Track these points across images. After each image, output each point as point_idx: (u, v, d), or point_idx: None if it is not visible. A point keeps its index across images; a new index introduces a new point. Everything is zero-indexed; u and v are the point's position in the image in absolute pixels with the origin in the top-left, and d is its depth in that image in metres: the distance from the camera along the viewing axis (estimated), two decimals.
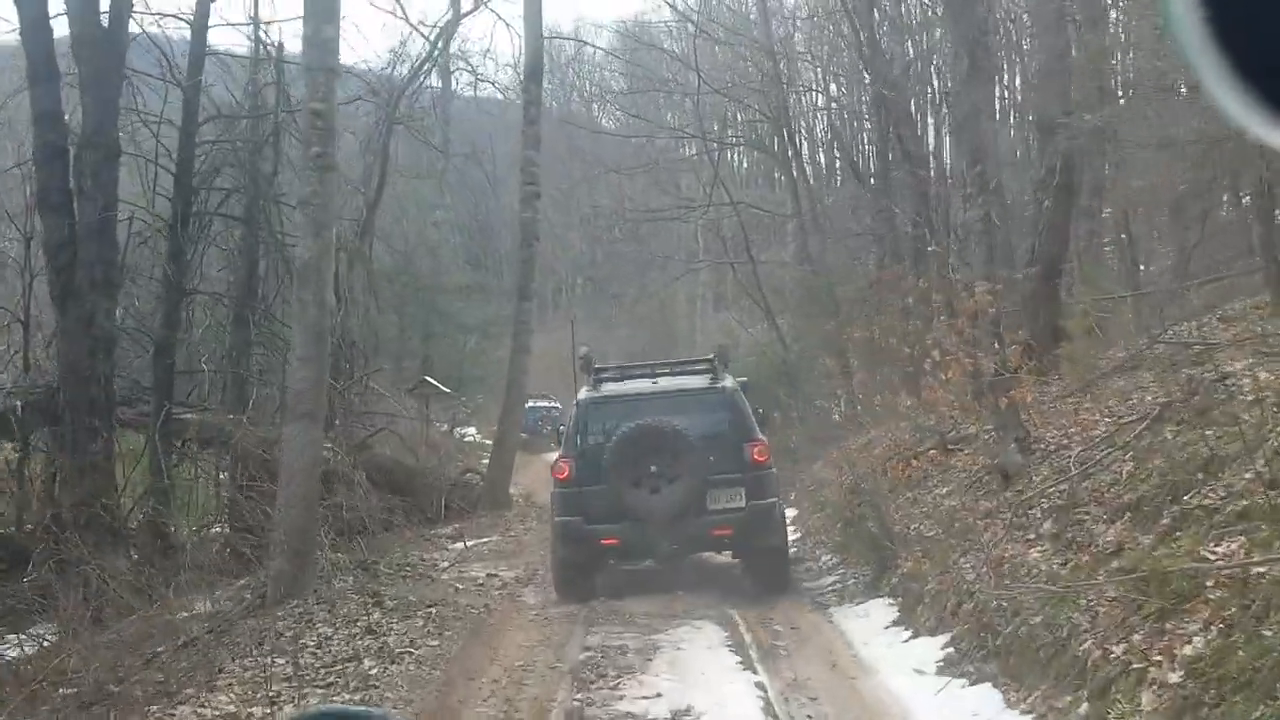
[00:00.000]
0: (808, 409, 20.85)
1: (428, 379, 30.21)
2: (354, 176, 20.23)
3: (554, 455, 11.63)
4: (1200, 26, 0.81)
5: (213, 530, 13.68)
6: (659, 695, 6.21)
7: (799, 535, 12.94)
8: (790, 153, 26.08)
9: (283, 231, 17.83)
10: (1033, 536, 6.72)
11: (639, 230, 45.68)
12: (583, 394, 9.70)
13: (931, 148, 25.39)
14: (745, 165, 40.86)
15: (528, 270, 17.09)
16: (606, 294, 56.44)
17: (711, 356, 10.18)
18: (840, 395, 20.28)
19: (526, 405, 29.07)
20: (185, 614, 8.72)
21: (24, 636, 8.86)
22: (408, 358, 40.25)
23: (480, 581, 10.35)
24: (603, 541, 9.00)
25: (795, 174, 24.38)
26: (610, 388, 9.70)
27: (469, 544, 12.96)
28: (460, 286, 41.65)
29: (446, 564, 11.45)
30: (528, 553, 12.59)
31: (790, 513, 15.11)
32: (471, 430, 43.35)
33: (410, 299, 39.68)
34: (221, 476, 14.96)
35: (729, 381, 9.77)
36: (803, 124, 26.64)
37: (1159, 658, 4.25)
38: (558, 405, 37.58)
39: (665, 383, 9.74)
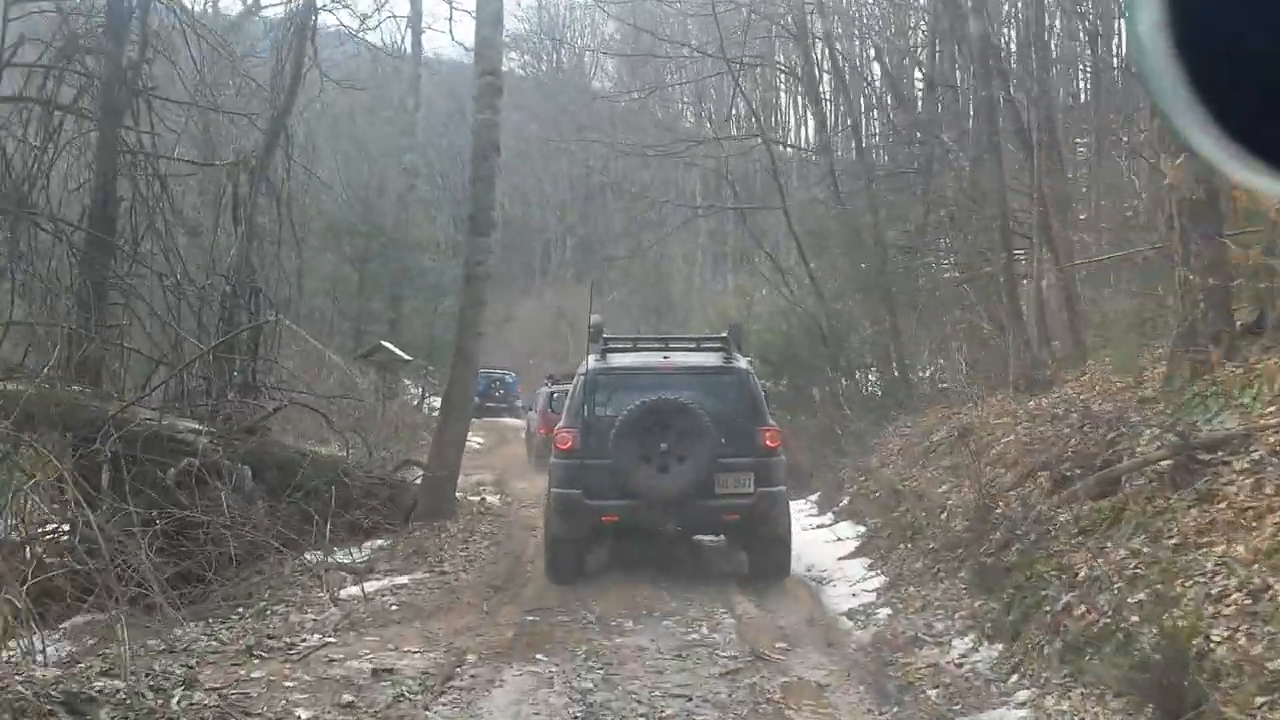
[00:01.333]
0: (852, 382, 16.24)
1: (385, 344, 25.59)
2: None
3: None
4: (1175, 73, 0.81)
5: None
6: None
7: (884, 581, 8.37)
8: (819, 75, 21.42)
9: (153, 133, 13.13)
10: None
11: (633, 183, 41.02)
12: (591, 363, 9.19)
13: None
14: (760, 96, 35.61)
15: (485, 193, 12.40)
16: (597, 255, 51.80)
17: (725, 334, 9.76)
18: (933, 362, 15.71)
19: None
20: None
21: None
22: (371, 321, 35.52)
23: (350, 701, 5.69)
24: (603, 518, 8.71)
25: (838, 97, 19.61)
26: (620, 359, 9.32)
27: (368, 590, 8.35)
28: (433, 242, 36.79)
29: (315, 639, 6.83)
30: (463, 609, 8.03)
31: (851, 529, 10.58)
32: None
33: (373, 254, 34.94)
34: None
35: (742, 362, 9.41)
36: (837, 45, 21.76)
37: None
38: (511, 372, 35.80)
39: (677, 359, 9.42)
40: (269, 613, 7.83)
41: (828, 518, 12.37)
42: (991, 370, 14.71)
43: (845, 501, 12.52)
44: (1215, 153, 0.82)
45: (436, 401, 37.49)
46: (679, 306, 39.40)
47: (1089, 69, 23.60)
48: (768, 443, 8.87)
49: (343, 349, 28.63)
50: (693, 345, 10.15)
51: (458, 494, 14.28)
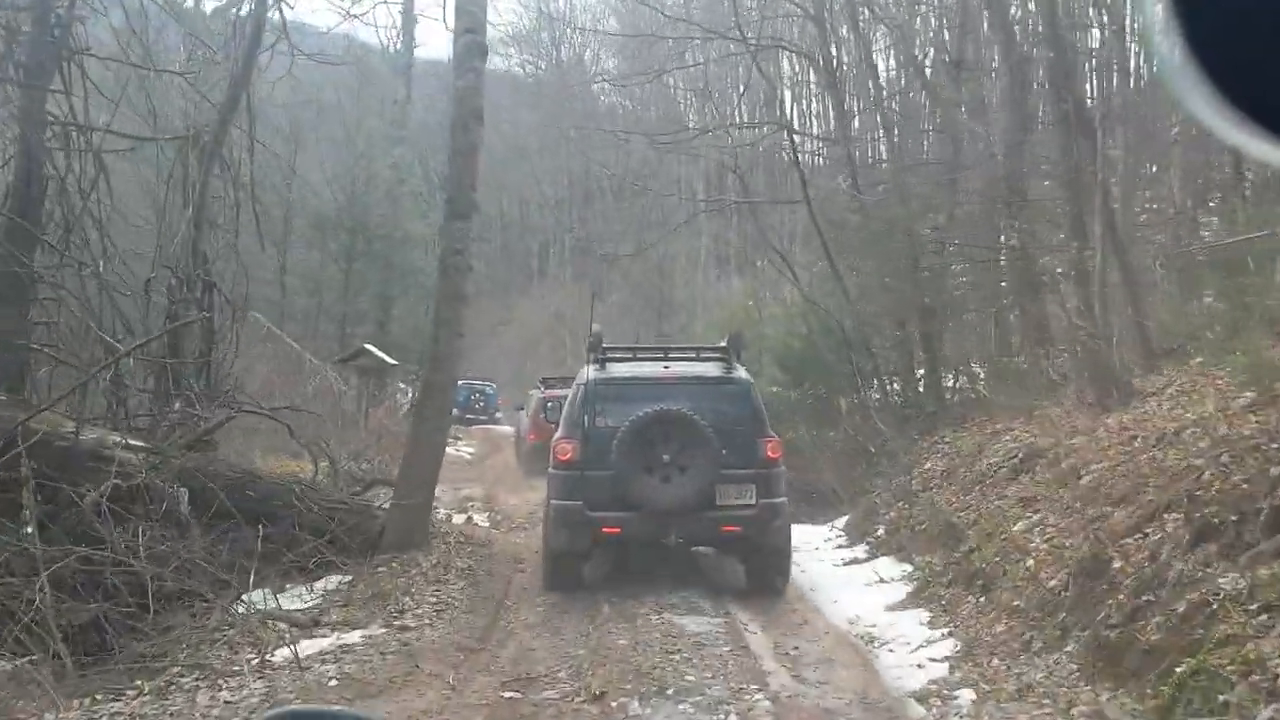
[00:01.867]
0: (884, 391, 14.52)
1: (368, 347, 23.86)
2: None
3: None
4: (1182, 46, 0.83)
5: None
6: None
7: (955, 647, 6.61)
8: (837, 58, 19.72)
9: (85, 97, 11.39)
10: None
11: (636, 178, 39.31)
12: (590, 373, 9.08)
13: None
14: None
15: (465, 169, 10.65)
16: (596, 256, 50.12)
17: (725, 344, 9.62)
18: (965, 370, 14.04)
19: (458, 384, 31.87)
20: None
21: None
22: (358, 322, 33.74)
23: None
24: (604, 529, 8.57)
25: (856, 82, 17.93)
26: (619, 369, 9.21)
27: (306, 655, 6.61)
28: (425, 240, 34.99)
29: None
30: (422, 683, 6.29)
31: (893, 567, 8.93)
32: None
33: (360, 251, 33.18)
34: None
35: (743, 372, 9.33)
36: (860, 22, 20.08)
37: None
38: (492, 383, 35.71)
39: (677, 369, 9.30)
40: (174, 687, 6.10)
41: (861, 550, 10.68)
42: (1039, 379, 13.02)
43: (881, 531, 10.82)
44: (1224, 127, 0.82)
45: None
46: (682, 309, 37.68)
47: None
48: (769, 454, 8.85)
49: (326, 352, 26.87)
50: (693, 355, 9.97)
51: (440, 513, 12.88)
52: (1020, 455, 9.40)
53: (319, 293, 33.51)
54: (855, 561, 10.09)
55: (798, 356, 14.77)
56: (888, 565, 9.53)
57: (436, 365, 10.65)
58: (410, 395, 33.95)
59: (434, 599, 8.52)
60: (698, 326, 31.91)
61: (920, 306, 14.62)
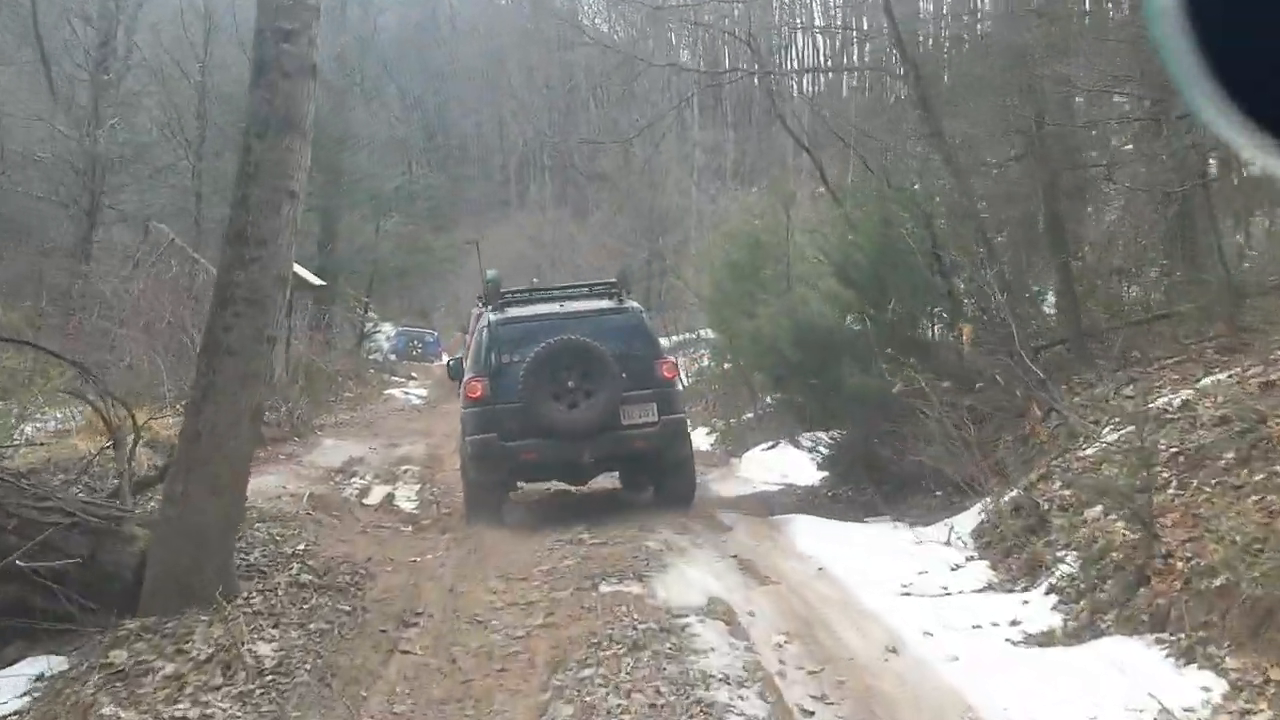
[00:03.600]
0: (1001, 310, 9.50)
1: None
2: None
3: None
4: (1189, 50, 0.81)
5: None
6: None
7: None
8: None
9: None
10: None
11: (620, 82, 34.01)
12: (492, 315, 9.63)
13: None
14: None
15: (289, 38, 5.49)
16: (576, 171, 44.84)
17: (614, 280, 10.30)
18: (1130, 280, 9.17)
19: (394, 331, 32.41)
20: None
21: None
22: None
23: None
24: (521, 456, 9.07)
25: None
26: (518, 310, 9.78)
27: None
28: (368, 136, 29.59)
29: None
30: None
31: (1174, 673, 3.85)
32: (385, 334, 31.82)
33: None
34: None
35: (634, 303, 10.12)
36: None
37: None
38: (433, 331, 35.04)
39: (572, 305, 9.87)
40: None
41: (1043, 602, 5.79)
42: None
43: (1067, 565, 5.90)
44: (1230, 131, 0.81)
45: (374, 343, 30.86)
46: (676, 226, 32.47)
47: None
48: (665, 374, 9.49)
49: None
50: (585, 291, 10.42)
51: (352, 486, 11.39)
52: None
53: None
54: (1051, 640, 5.21)
55: (867, 267, 9.74)
56: (1133, 652, 4.67)
57: (238, 259, 5.62)
58: (359, 328, 29.01)
59: None
60: (697, 249, 26.91)
61: (1045, 184, 9.65)
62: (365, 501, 10.82)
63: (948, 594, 6.21)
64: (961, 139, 10.17)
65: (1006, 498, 7.30)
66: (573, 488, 10.47)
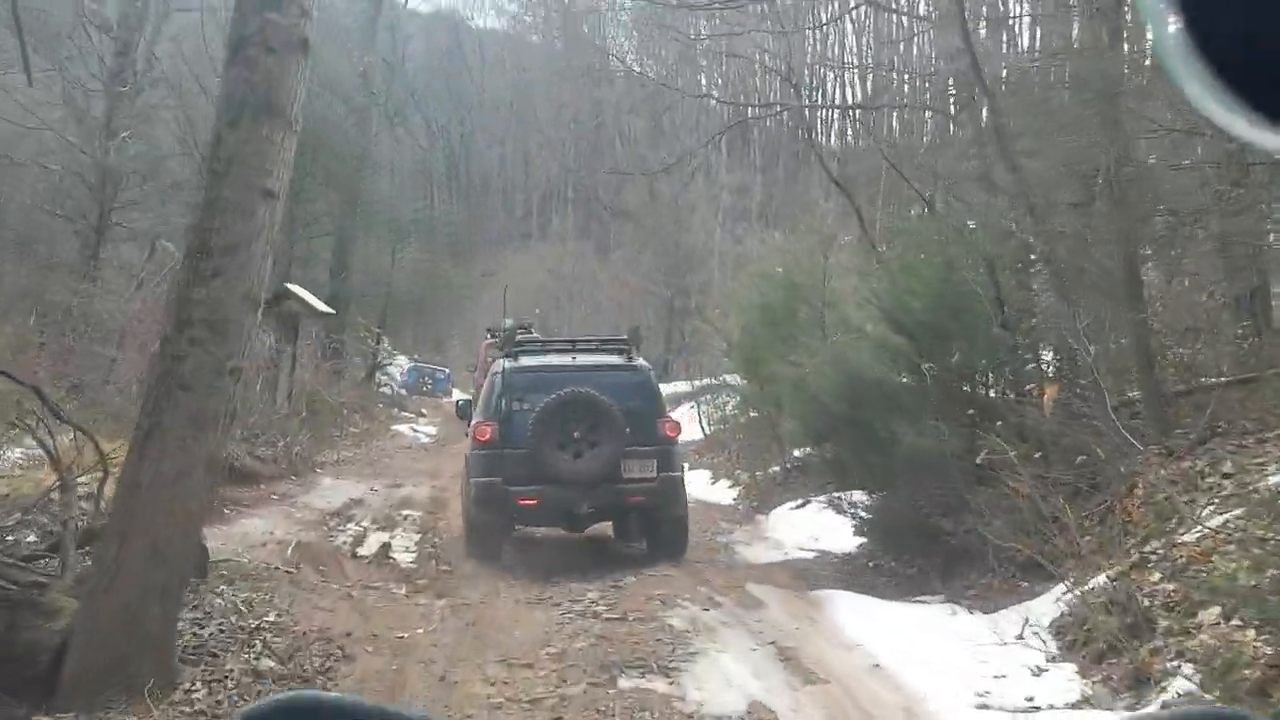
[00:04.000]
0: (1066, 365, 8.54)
1: (291, 287, 17.71)
2: None
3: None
4: (1177, 29, 0.73)
5: None
6: None
7: None
8: None
9: None
10: None
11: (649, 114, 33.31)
12: (505, 364, 10.07)
13: None
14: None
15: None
16: (600, 205, 44.10)
17: (625, 337, 10.70)
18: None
19: (407, 365, 32.67)
20: None
21: None
22: (308, 265, 27.51)
23: None
24: (521, 501, 9.38)
25: None
26: (531, 359, 10.20)
27: None
28: (389, 161, 28.80)
29: None
30: None
31: None
32: (395, 366, 30.83)
33: (308, 171, 26.86)
34: None
35: (643, 360, 10.45)
36: None
37: None
38: (444, 369, 34.63)
39: (583, 359, 10.23)
40: None
41: None
42: None
43: (1184, 682, 4.86)
44: (1221, 113, 0.72)
45: (386, 376, 29.87)
46: (701, 266, 31.56)
47: None
48: (668, 433, 9.80)
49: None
50: (596, 345, 10.71)
51: (346, 533, 10.42)
52: None
53: None
54: None
55: (923, 314, 8.77)
56: None
57: (197, 276, 4.69)
58: (372, 359, 28.10)
59: None
60: (718, 291, 26.01)
61: (1124, 231, 8.67)
62: (358, 552, 9.83)
63: (1035, 708, 5.18)
64: (1034, 179, 9.22)
65: (1091, 585, 6.26)
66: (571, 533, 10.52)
